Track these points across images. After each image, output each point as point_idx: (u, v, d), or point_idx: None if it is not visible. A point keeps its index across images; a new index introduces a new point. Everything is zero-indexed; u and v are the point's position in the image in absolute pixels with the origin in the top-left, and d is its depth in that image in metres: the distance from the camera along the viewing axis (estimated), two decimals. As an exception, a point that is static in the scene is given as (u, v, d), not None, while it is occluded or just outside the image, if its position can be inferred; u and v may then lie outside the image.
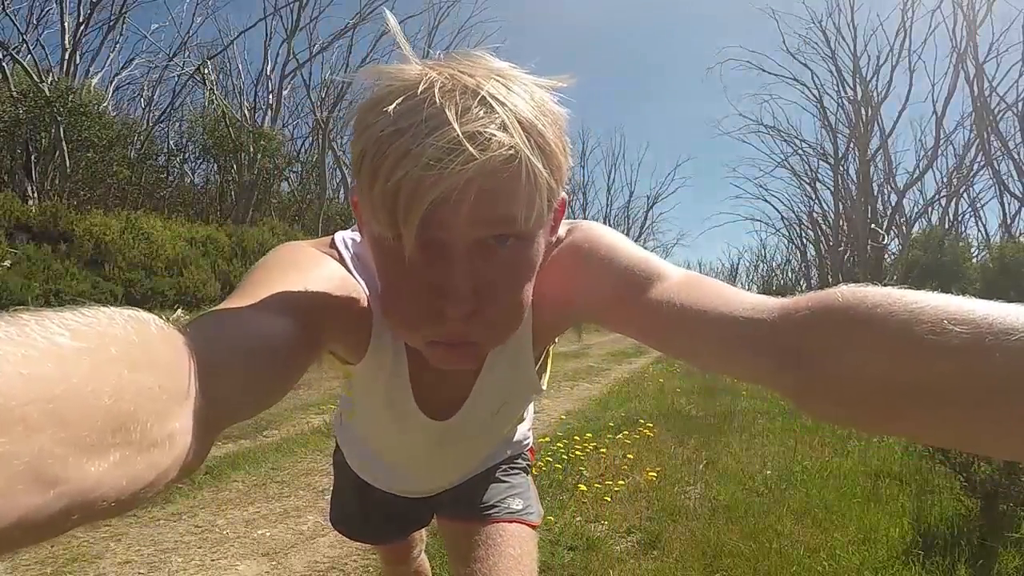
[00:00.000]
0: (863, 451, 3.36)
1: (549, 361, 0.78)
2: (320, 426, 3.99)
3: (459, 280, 0.46)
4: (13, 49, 11.23)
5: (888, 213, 20.73)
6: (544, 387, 0.75)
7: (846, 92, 20.20)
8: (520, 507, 0.90)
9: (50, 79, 11.19)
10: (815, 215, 24.97)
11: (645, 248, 0.58)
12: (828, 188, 23.36)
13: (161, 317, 0.32)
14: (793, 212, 27.05)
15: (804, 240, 27.71)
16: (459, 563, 0.85)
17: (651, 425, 4.05)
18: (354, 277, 0.58)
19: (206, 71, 15.55)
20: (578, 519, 2.47)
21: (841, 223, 22.81)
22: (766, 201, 33.89)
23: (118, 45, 15.59)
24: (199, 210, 14.40)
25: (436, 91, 0.42)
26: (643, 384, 6.50)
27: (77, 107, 10.84)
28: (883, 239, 18.94)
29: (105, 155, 12.08)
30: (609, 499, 2.67)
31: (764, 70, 22.23)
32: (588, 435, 3.71)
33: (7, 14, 11.47)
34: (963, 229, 21.16)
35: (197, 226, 11.29)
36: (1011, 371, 0.31)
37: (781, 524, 2.33)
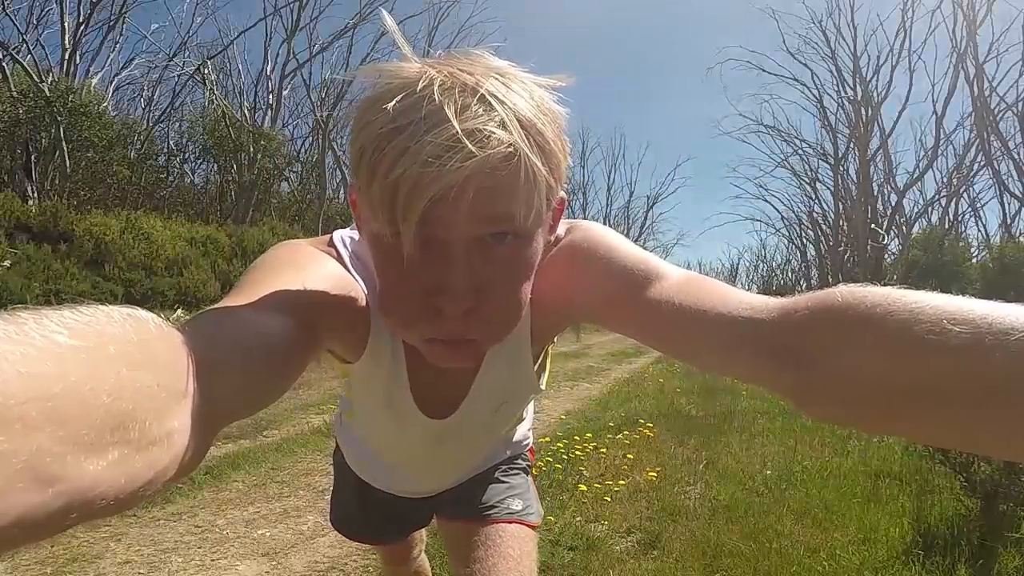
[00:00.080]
0: (863, 451, 3.36)
1: (548, 361, 0.78)
2: (320, 426, 3.99)
3: (457, 278, 0.46)
4: (13, 49, 11.22)
5: (888, 213, 20.71)
6: (543, 387, 0.75)
7: (846, 92, 20.20)
8: (520, 508, 0.90)
9: (50, 79, 11.18)
10: (815, 215, 24.98)
11: (645, 248, 0.58)
12: (828, 188, 23.37)
13: (161, 317, 0.32)
14: (793, 212, 27.04)
15: (804, 240, 27.71)
16: (459, 563, 0.85)
17: (651, 425, 4.05)
18: (352, 276, 0.58)
19: (206, 71, 15.54)
20: (578, 519, 2.47)
21: (841, 223, 22.81)
22: (766, 201, 33.84)
23: (118, 45, 15.58)
24: (199, 210, 14.39)
25: (435, 89, 0.42)
26: (643, 384, 6.50)
27: (77, 107, 10.83)
28: (883, 239, 18.94)
29: (105, 155, 12.07)
30: (609, 499, 2.67)
31: (764, 70, 22.17)
32: (588, 435, 3.71)
33: (7, 14, 11.47)
34: (963, 229, 21.17)
35: (197, 226, 11.29)
36: (1011, 371, 0.31)
37: (781, 524, 2.33)
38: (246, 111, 17.02)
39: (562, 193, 0.52)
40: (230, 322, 0.41)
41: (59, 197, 10.12)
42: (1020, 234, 18.48)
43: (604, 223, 0.64)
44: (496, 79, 0.44)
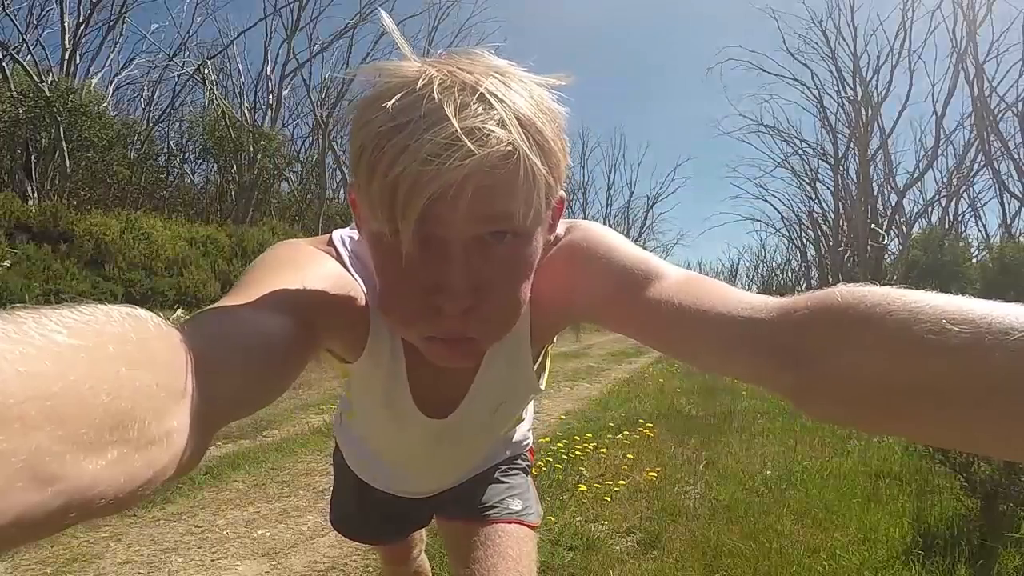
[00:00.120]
0: (863, 451, 3.36)
1: (548, 361, 0.78)
2: (320, 426, 3.99)
3: (456, 277, 0.46)
4: (13, 49, 11.22)
5: (888, 213, 20.71)
6: (543, 387, 0.75)
7: (846, 92, 20.20)
8: (519, 508, 0.90)
9: (50, 79, 11.18)
10: (815, 215, 24.98)
11: (645, 248, 0.58)
12: (828, 188, 23.36)
13: (161, 317, 0.32)
14: (793, 212, 27.03)
15: (804, 240, 27.70)
16: (458, 563, 0.85)
17: (651, 425, 4.05)
18: (352, 275, 0.58)
19: (206, 71, 15.54)
20: (578, 519, 2.47)
21: (841, 223, 22.80)
22: (766, 201, 33.87)
23: (118, 45, 15.57)
24: (199, 210, 14.39)
25: (435, 87, 0.42)
26: (643, 384, 6.50)
27: (77, 107, 10.83)
28: (883, 239, 18.94)
29: (105, 155, 12.07)
30: (609, 499, 2.67)
31: (764, 70, 22.18)
32: (588, 435, 3.71)
33: (7, 14, 11.46)
34: (963, 229, 21.16)
35: (197, 226, 11.29)
36: (1010, 371, 0.31)
37: (781, 524, 2.33)
38: (246, 111, 17.02)
39: (561, 192, 0.52)
40: (229, 321, 0.41)
41: (59, 197, 10.12)
42: (1020, 234, 18.49)
43: (604, 223, 0.64)
44: (495, 78, 0.44)
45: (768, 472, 3.07)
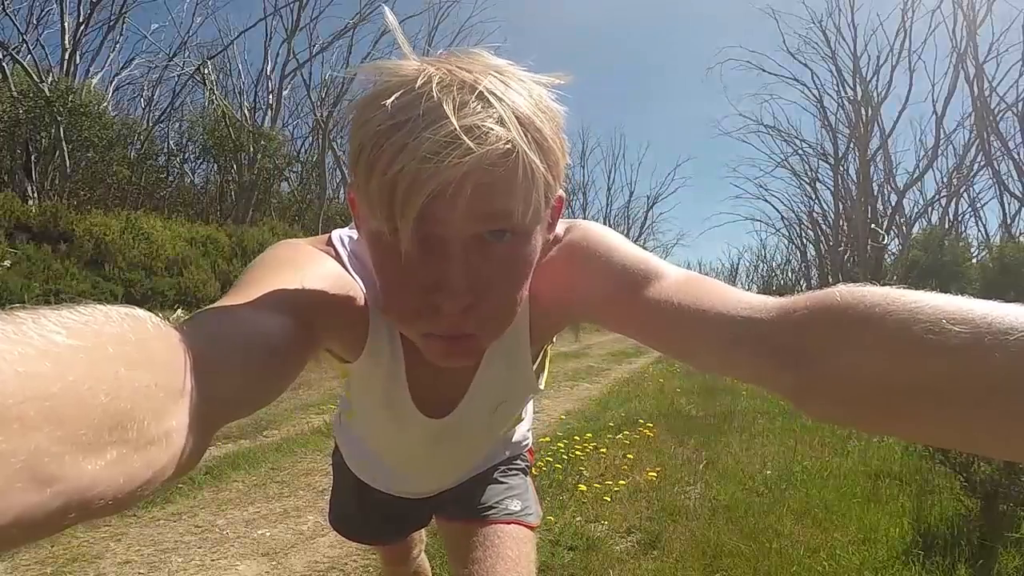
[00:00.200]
0: (863, 451, 3.36)
1: (547, 361, 0.78)
2: (320, 426, 3.99)
3: (455, 276, 0.46)
4: (13, 49, 11.21)
5: (888, 213, 20.70)
6: (542, 387, 0.75)
7: (846, 92, 20.18)
8: (519, 508, 0.90)
9: (50, 79, 11.17)
10: (815, 215, 24.96)
11: (645, 248, 0.58)
12: (828, 188, 23.35)
13: (161, 317, 0.32)
14: (793, 212, 27.01)
15: (804, 240, 27.68)
16: (457, 564, 0.85)
17: (651, 425, 4.05)
18: (351, 275, 0.58)
19: (206, 71, 15.53)
20: (578, 519, 2.47)
21: (841, 223, 22.80)
22: (766, 201, 33.88)
23: (118, 45, 15.57)
24: (199, 210, 14.39)
25: (434, 86, 0.42)
26: (643, 384, 6.50)
27: (77, 107, 10.83)
28: (883, 239, 18.93)
29: (105, 155, 12.07)
30: (609, 499, 2.67)
31: (764, 70, 22.17)
32: (588, 435, 3.71)
33: (7, 14, 11.46)
34: (963, 229, 21.15)
35: (197, 226, 11.28)
36: (1010, 371, 0.31)
37: (781, 524, 2.33)
38: (246, 111, 17.01)
39: (560, 191, 0.52)
40: (229, 321, 0.41)
41: (59, 197, 10.12)
42: (1020, 234, 18.48)
43: (604, 223, 0.64)
44: (495, 76, 0.44)
45: (768, 472, 3.07)
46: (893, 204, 20.62)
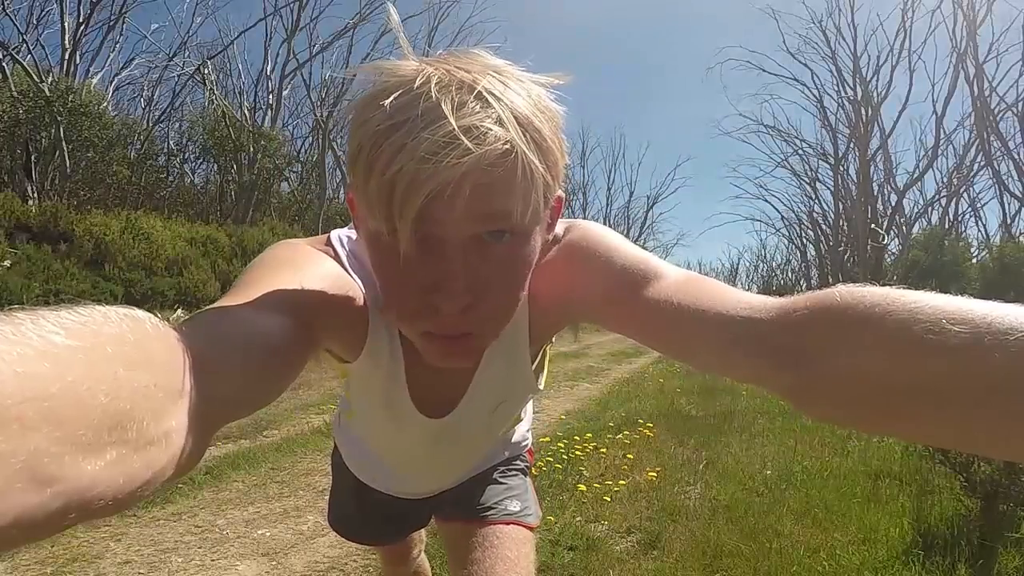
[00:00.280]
0: (863, 451, 3.36)
1: (547, 361, 0.78)
2: (320, 426, 3.99)
3: (453, 276, 0.46)
4: (13, 49, 11.21)
5: (888, 213, 20.71)
6: (541, 387, 0.75)
7: (846, 92, 20.18)
8: (518, 509, 0.90)
9: (50, 79, 11.17)
10: (815, 215, 24.97)
11: (645, 248, 0.58)
12: (828, 188, 23.35)
13: (161, 317, 0.32)
14: (793, 212, 27.01)
15: (804, 240, 27.68)
16: (457, 565, 0.85)
17: (651, 425, 4.05)
18: (350, 275, 0.58)
19: (206, 71, 15.53)
20: (578, 519, 2.47)
21: (841, 223, 22.80)
22: (766, 201, 33.95)
23: (118, 45, 15.57)
24: (199, 210, 14.38)
25: (432, 86, 0.42)
26: (643, 384, 6.50)
27: (77, 107, 10.83)
28: (883, 239, 18.92)
29: (105, 155, 12.08)
30: (609, 499, 2.67)
31: (764, 70, 22.18)
32: (588, 435, 3.71)
33: (7, 14, 11.46)
34: (963, 229, 21.14)
35: (197, 226, 11.28)
36: (1010, 371, 0.31)
37: (781, 524, 2.33)
38: (246, 111, 17.02)
39: (560, 191, 0.52)
40: (228, 322, 0.41)
41: (59, 197, 10.12)
42: (1020, 234, 18.47)
43: (604, 223, 0.64)
44: (493, 77, 0.44)
45: (768, 472, 3.07)
46: (893, 204, 20.64)
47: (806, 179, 24.11)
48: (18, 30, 12.02)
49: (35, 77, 10.67)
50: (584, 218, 0.64)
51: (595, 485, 2.84)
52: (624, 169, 56.27)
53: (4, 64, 10.57)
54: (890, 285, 0.39)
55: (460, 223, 0.44)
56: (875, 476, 2.92)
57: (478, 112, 0.42)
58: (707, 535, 2.25)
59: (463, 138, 0.40)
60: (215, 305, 0.44)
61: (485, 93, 0.43)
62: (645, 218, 30.77)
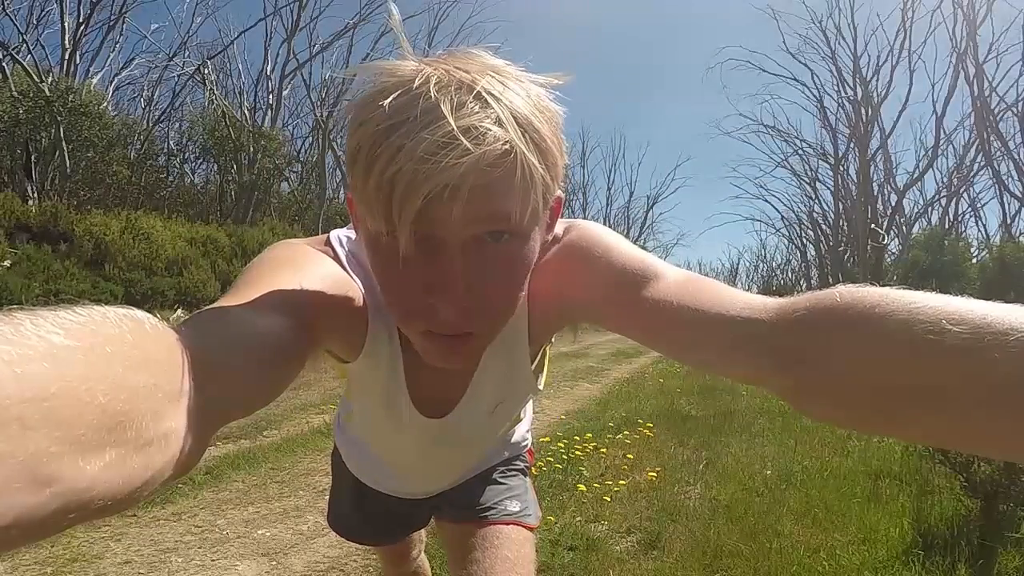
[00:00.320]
0: (863, 451, 3.36)
1: (547, 361, 0.78)
2: (320, 426, 3.98)
3: (453, 277, 0.46)
4: (13, 49, 11.22)
5: (888, 213, 20.71)
6: (541, 387, 0.75)
7: (846, 92, 20.18)
8: (517, 509, 0.90)
9: (50, 79, 11.17)
10: (815, 215, 24.99)
11: (645, 248, 0.58)
12: (828, 188, 23.38)
13: (161, 317, 0.32)
14: (793, 212, 27.06)
15: (804, 240, 27.69)
16: (456, 565, 0.85)
17: (651, 425, 4.05)
18: (349, 275, 0.58)
19: (206, 71, 15.54)
20: (578, 519, 2.47)
21: (841, 223, 22.80)
22: (766, 201, 34.07)
23: (118, 45, 15.58)
24: (199, 210, 14.38)
25: (431, 86, 0.42)
26: (643, 384, 6.49)
27: (77, 107, 10.83)
28: (883, 239, 18.91)
29: (105, 155, 12.08)
30: (609, 499, 2.67)
31: (764, 70, 22.31)
32: (588, 435, 3.71)
33: (7, 14, 11.46)
34: (963, 229, 21.14)
35: (197, 226, 11.27)
36: (1010, 371, 0.31)
37: (781, 524, 2.33)
38: (246, 111, 17.02)
39: (559, 192, 0.52)
40: (228, 322, 0.41)
41: (59, 197, 10.12)
42: (1020, 234, 18.49)
43: (604, 223, 0.63)
44: (492, 77, 0.44)
45: (768, 472, 3.07)
46: (893, 204, 20.64)
47: (806, 179, 24.15)
48: (18, 30, 12.03)
49: (35, 77, 10.67)
50: (584, 218, 0.63)
51: (595, 485, 2.84)
52: (624, 169, 56.59)
53: (4, 64, 10.58)
54: (890, 285, 0.39)
55: (459, 224, 0.44)
56: (875, 476, 2.92)
57: (477, 112, 0.42)
58: (707, 535, 2.25)
59: (462, 138, 0.40)
60: (215, 305, 0.44)
61: (484, 93, 0.43)
62: (645, 218, 30.79)
